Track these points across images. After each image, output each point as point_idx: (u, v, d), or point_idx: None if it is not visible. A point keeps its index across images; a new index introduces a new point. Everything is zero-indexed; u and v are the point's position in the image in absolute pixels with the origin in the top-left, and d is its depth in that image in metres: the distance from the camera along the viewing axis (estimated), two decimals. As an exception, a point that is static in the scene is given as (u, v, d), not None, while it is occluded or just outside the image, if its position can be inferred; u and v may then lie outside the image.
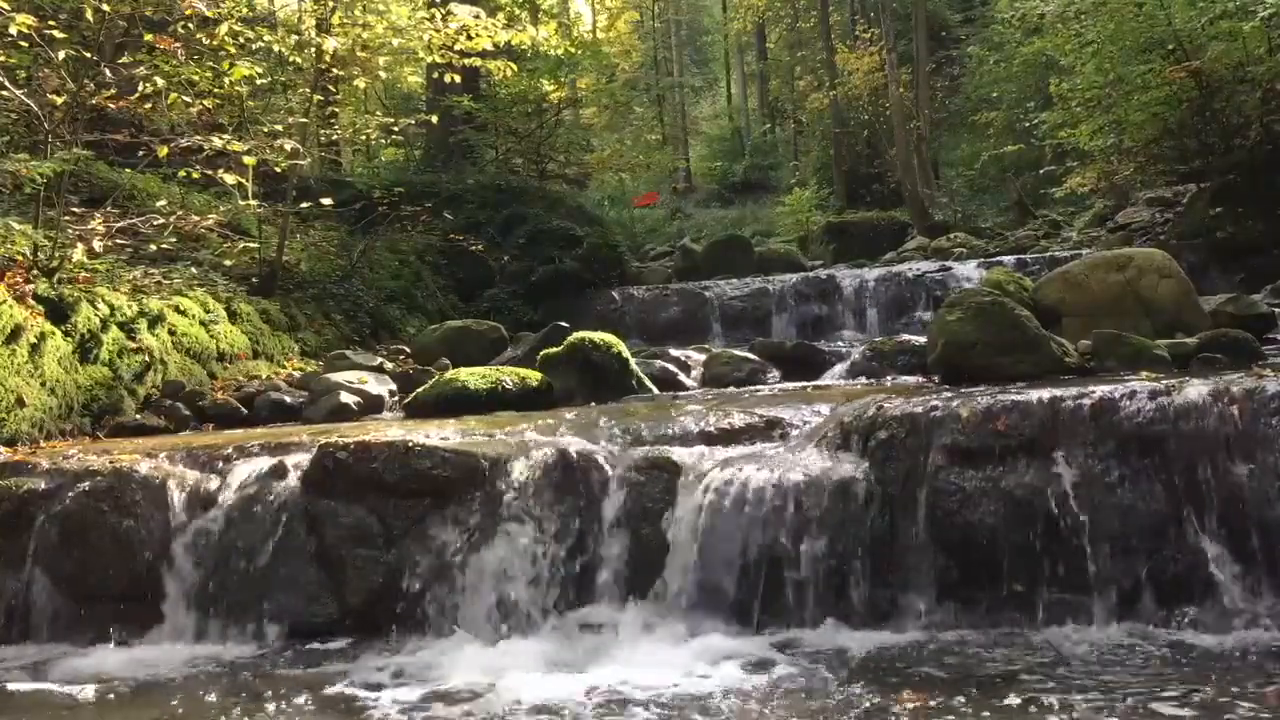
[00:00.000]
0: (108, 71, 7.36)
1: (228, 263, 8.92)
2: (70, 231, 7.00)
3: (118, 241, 7.57)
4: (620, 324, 11.30)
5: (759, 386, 7.21)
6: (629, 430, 5.18)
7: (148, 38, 7.63)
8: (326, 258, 10.55)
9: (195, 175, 8.25)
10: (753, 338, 9.57)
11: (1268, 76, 11.17)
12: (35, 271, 6.55)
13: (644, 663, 3.92)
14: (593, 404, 6.45)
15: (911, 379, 6.68)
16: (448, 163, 16.23)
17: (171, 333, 7.21)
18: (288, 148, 8.22)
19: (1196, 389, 4.34)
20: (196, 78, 8.10)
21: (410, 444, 4.76)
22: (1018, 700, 3.36)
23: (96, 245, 6.99)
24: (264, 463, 4.99)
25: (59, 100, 7.01)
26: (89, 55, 7.37)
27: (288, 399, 7.05)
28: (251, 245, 9.28)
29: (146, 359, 6.82)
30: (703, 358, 7.99)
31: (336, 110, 13.09)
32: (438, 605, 4.47)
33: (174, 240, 8.20)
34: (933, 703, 3.38)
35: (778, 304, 11.88)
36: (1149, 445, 4.24)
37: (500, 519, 4.56)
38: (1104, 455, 4.26)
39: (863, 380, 7.01)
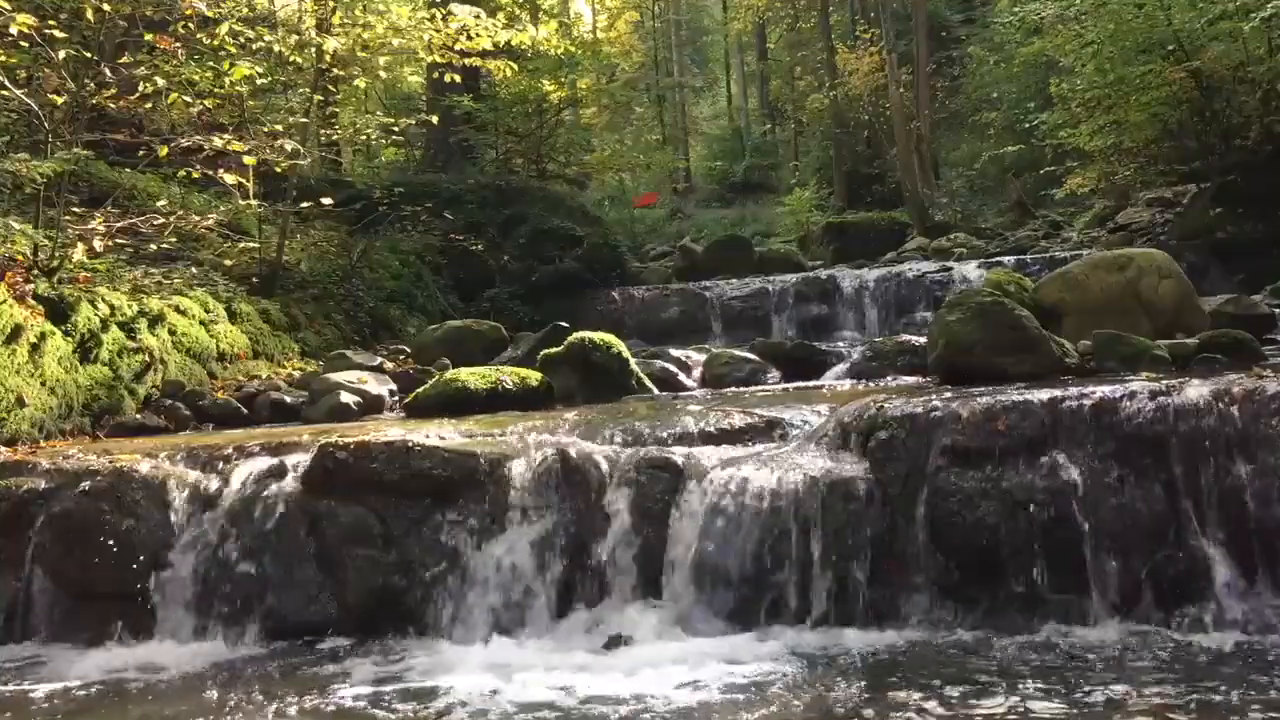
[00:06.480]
0: (108, 71, 7.37)
1: (228, 263, 8.91)
2: (70, 231, 7.00)
3: (118, 241, 7.57)
4: (620, 324, 11.29)
5: (759, 387, 7.21)
6: (629, 430, 5.18)
7: (148, 38, 7.63)
8: (326, 258, 10.55)
9: (195, 175, 8.26)
10: (753, 338, 9.55)
11: (1268, 77, 11.18)
12: (35, 271, 6.56)
13: (645, 663, 3.92)
14: (593, 404, 6.45)
15: (911, 379, 6.68)
16: (448, 163, 16.23)
17: (171, 332, 7.21)
18: (288, 148, 8.22)
19: (1196, 389, 4.34)
20: (196, 78, 8.11)
21: (410, 444, 4.76)
22: (1017, 700, 3.36)
23: (97, 245, 6.99)
24: (264, 463, 4.99)
25: (59, 100, 7.01)
26: (89, 55, 7.38)
27: (288, 399, 7.05)
28: (251, 245, 9.28)
29: (146, 359, 6.82)
30: (703, 358, 7.98)
31: (336, 110, 13.10)
32: (438, 606, 4.47)
33: (174, 240, 8.20)
34: (932, 702, 3.38)
35: (778, 304, 11.88)
36: (1149, 445, 4.24)
37: (500, 519, 4.56)
38: (1104, 455, 4.26)
39: (863, 380, 7.01)
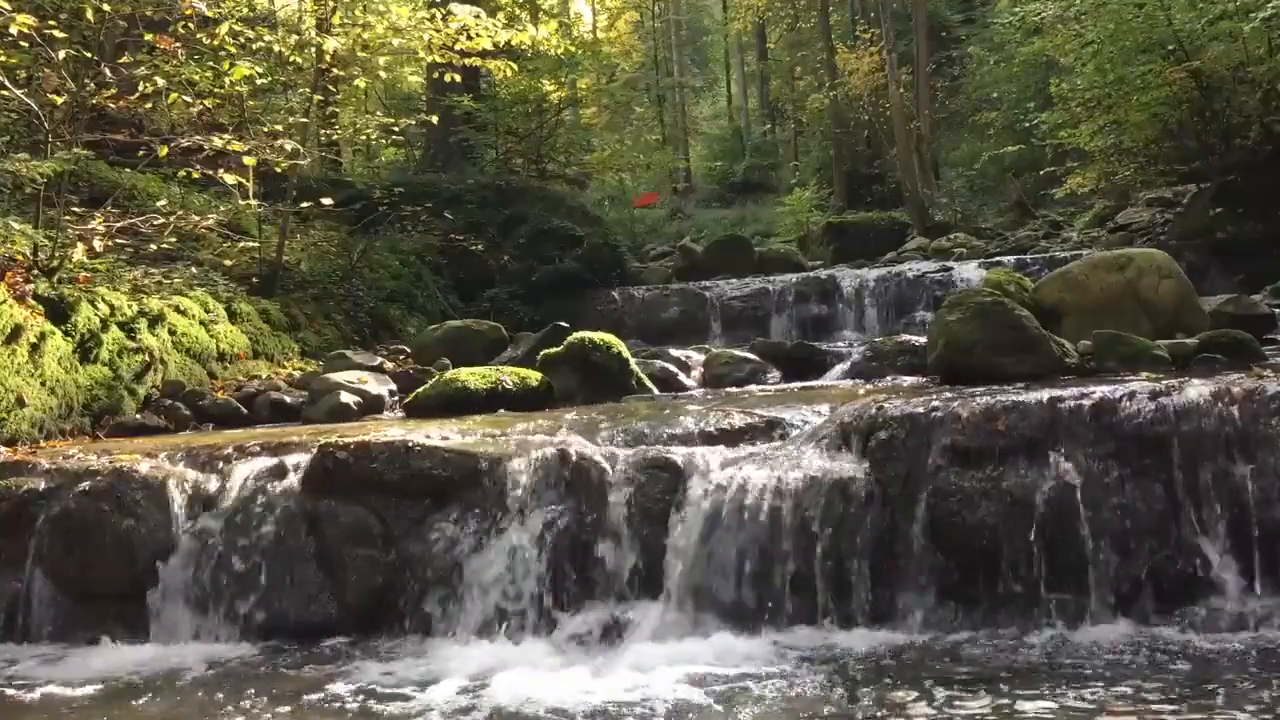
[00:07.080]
0: (108, 71, 7.37)
1: (228, 263, 8.91)
2: (70, 231, 7.00)
3: (118, 241, 7.57)
4: (620, 324, 11.29)
5: (759, 386, 7.21)
6: (629, 430, 5.18)
7: (148, 38, 7.63)
8: (326, 258, 10.55)
9: (195, 175, 8.25)
10: (753, 338, 9.56)
11: (1268, 77, 11.19)
12: (35, 271, 6.56)
13: (645, 663, 3.92)
14: (593, 404, 6.45)
15: (911, 379, 6.67)
16: (448, 163, 16.23)
17: (171, 332, 7.21)
18: (288, 148, 8.22)
19: (1196, 389, 4.34)
20: (196, 78, 8.11)
21: (410, 444, 4.76)
22: (1016, 701, 3.36)
23: (97, 245, 6.99)
24: (264, 463, 4.99)
25: (59, 100, 7.01)
26: (89, 55, 7.38)
27: (288, 399, 7.05)
28: (251, 245, 9.28)
29: (146, 359, 6.82)
30: (703, 358, 7.97)
31: (336, 110, 13.10)
32: (438, 606, 4.47)
33: (174, 240, 8.20)
34: (930, 703, 3.39)
35: (778, 304, 11.88)
36: (1149, 445, 4.24)
37: (501, 519, 4.56)
38: (1104, 455, 4.26)
39: (863, 380, 7.00)
